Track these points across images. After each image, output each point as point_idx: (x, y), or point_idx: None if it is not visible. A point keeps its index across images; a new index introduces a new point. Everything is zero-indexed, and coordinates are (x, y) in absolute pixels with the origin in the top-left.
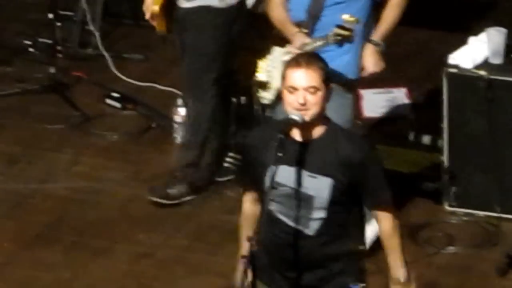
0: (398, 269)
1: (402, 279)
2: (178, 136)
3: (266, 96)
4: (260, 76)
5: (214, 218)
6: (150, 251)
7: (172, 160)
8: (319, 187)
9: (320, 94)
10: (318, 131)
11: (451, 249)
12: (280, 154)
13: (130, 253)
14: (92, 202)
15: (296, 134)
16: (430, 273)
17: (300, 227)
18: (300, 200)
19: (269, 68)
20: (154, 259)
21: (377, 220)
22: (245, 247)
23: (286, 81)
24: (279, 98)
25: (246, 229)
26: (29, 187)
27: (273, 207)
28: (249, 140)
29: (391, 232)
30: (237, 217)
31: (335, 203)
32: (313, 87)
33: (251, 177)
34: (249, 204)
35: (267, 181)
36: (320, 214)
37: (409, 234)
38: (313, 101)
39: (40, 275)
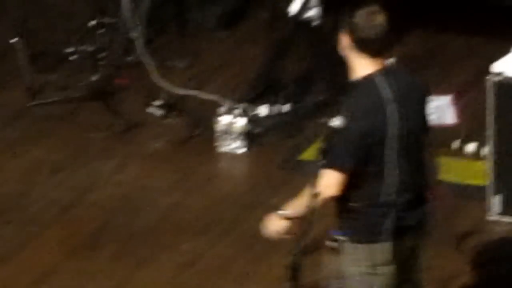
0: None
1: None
2: (221, 145)
3: None
4: None
5: (258, 227)
6: (194, 260)
7: (214, 169)
8: None
9: None
10: None
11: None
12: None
13: (174, 262)
14: (136, 210)
15: None
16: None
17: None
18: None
19: None
20: (198, 269)
21: None
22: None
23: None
24: None
25: None
26: (72, 196)
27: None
28: (363, 125)
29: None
30: None
31: None
32: None
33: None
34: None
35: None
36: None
37: (455, 243)
38: None
39: (84, 284)
